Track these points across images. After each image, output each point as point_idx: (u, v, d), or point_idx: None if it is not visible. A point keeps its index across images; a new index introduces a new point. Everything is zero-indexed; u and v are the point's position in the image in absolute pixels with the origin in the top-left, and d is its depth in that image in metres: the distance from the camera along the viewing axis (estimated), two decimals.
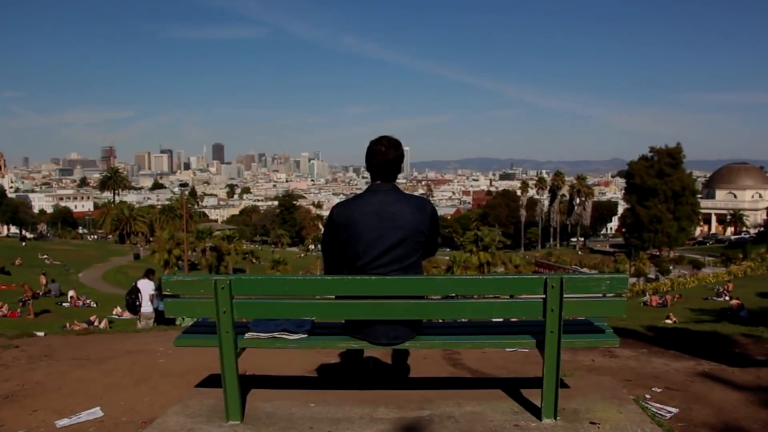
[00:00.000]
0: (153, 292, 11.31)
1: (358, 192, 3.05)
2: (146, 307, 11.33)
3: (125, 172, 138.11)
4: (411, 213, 2.88)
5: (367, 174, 3.08)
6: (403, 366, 3.31)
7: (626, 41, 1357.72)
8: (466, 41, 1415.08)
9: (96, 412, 3.78)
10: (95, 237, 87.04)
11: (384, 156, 2.94)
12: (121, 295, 30.58)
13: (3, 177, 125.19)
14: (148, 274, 11.96)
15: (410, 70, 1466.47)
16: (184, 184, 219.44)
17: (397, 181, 3.04)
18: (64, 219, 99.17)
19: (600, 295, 2.73)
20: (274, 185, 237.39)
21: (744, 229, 77.26)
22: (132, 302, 11.30)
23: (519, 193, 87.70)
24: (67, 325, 16.12)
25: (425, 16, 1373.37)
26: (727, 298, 25.08)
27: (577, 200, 78.87)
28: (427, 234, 2.94)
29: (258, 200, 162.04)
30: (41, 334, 7.56)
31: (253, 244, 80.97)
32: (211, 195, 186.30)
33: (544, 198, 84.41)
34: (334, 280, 2.79)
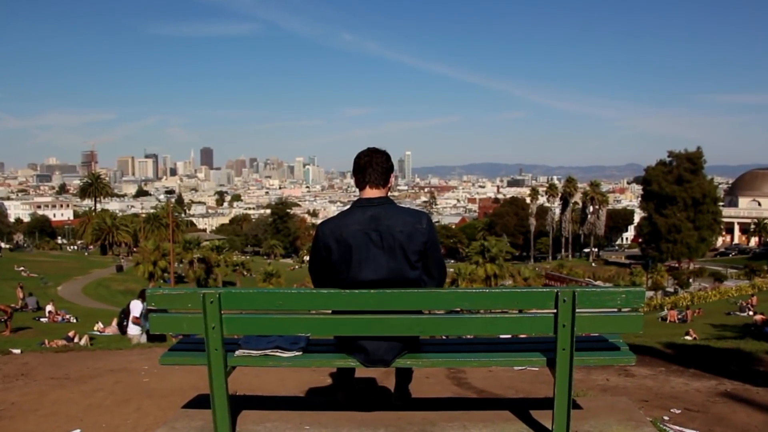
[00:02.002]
0: (138, 314, 11.75)
1: (356, 199, 3.02)
2: (132, 330, 11.84)
3: (107, 179, 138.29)
4: (405, 229, 2.83)
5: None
6: (406, 386, 3.30)
7: (642, 38, 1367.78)
8: (471, 38, 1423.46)
9: None
10: (75, 248, 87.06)
11: (370, 158, 2.95)
12: (102, 310, 30.68)
13: None
14: (142, 294, 12.31)
15: (412, 69, 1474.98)
16: (170, 191, 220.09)
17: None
18: (42, 228, 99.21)
19: (615, 309, 2.73)
20: (267, 192, 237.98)
21: None
22: (120, 322, 12.33)
23: (528, 200, 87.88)
24: (45, 341, 16.03)
25: (428, 12, 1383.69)
26: (750, 312, 25.14)
27: (591, 208, 78.93)
28: (423, 251, 2.88)
29: (249, 208, 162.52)
30: (17, 351, 7.57)
31: (244, 255, 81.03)
32: (199, 203, 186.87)
33: (555, 206, 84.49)
34: (330, 293, 2.78)
